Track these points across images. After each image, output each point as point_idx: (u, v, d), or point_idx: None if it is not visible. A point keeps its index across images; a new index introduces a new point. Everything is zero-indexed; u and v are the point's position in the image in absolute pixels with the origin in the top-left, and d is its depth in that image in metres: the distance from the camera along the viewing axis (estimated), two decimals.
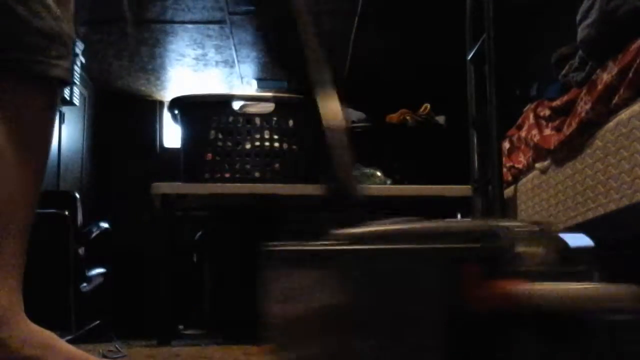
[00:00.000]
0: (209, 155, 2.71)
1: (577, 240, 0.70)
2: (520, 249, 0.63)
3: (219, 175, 2.68)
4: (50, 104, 1.11)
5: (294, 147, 2.70)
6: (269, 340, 0.67)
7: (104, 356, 2.13)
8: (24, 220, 1.05)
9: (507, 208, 2.31)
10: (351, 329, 0.63)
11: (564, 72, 2.15)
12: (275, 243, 0.69)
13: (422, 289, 0.62)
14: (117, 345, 2.36)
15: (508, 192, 2.35)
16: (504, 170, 2.34)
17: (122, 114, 5.01)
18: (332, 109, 0.86)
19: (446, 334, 0.61)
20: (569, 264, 0.65)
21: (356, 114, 3.33)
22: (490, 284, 0.60)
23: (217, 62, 4.51)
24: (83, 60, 3.95)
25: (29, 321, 1.03)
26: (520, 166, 2.28)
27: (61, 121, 4.21)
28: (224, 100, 2.76)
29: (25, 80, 1.04)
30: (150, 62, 4.51)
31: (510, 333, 0.60)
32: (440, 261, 0.62)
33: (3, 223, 1.02)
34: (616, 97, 1.63)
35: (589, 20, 1.81)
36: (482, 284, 0.60)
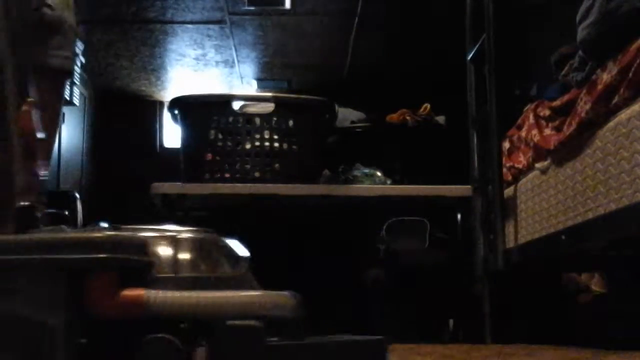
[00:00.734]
0: (209, 155, 2.70)
1: (236, 246, 0.70)
2: (165, 255, 0.63)
3: (219, 175, 2.68)
4: (54, 93, 1.10)
5: (294, 147, 2.69)
6: None
7: None
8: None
9: (507, 208, 2.31)
10: None
11: (564, 72, 2.15)
12: None
13: (46, 301, 0.59)
14: None
15: (508, 192, 2.35)
16: (504, 170, 2.34)
17: (122, 114, 5.00)
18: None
19: (72, 344, 0.60)
20: (226, 269, 0.66)
21: (356, 114, 3.33)
22: (119, 292, 0.60)
23: (217, 62, 4.51)
24: (83, 60, 3.95)
25: None
26: (520, 166, 2.28)
27: (61, 121, 4.22)
28: (224, 100, 2.76)
29: (29, 72, 1.03)
30: (150, 62, 4.51)
31: (139, 339, 0.60)
32: (65, 272, 0.60)
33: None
34: (616, 97, 1.62)
35: (589, 20, 1.80)
36: (111, 293, 0.59)
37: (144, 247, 0.62)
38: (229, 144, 2.69)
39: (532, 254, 2.18)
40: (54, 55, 1.04)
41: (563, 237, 1.91)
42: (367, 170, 2.92)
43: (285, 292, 0.65)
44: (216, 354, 0.61)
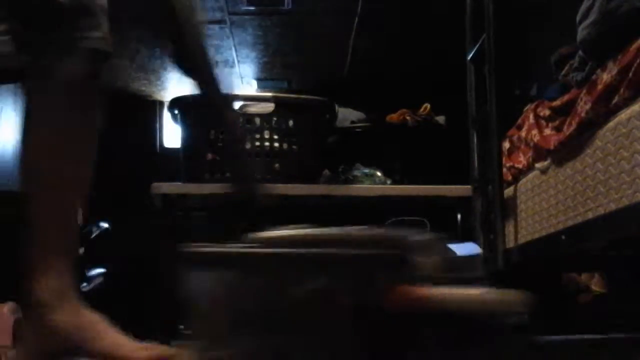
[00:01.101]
0: (209, 155, 2.71)
1: (466, 249, 0.74)
2: (418, 256, 0.67)
3: (219, 175, 2.68)
4: (91, 77, 1.08)
5: (294, 147, 2.69)
6: (193, 338, 0.68)
7: None
8: (73, 203, 1.05)
9: (507, 208, 2.31)
10: (272, 329, 0.65)
11: (564, 72, 2.15)
12: (194, 245, 0.70)
13: (341, 291, 0.65)
14: None
15: (508, 192, 2.35)
16: (504, 170, 2.33)
17: (122, 114, 5.00)
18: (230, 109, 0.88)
19: (362, 334, 0.64)
20: (459, 270, 0.69)
21: (356, 114, 3.33)
22: (402, 287, 0.64)
23: (217, 62, 4.51)
24: None
25: (79, 304, 1.03)
26: (520, 166, 2.28)
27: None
28: None
29: (61, 57, 1.01)
30: (150, 62, 4.51)
31: (421, 332, 0.65)
32: (357, 266, 0.65)
33: (51, 207, 1.02)
34: (616, 97, 1.63)
35: (589, 20, 1.80)
36: (395, 288, 0.64)
37: (414, 246, 0.67)
38: None
39: (532, 254, 2.18)
40: (86, 37, 1.02)
41: (563, 237, 1.91)
42: (367, 170, 2.92)
43: (518, 291, 0.68)
44: (491, 351, 0.65)
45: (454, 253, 0.71)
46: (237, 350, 0.66)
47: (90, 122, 1.09)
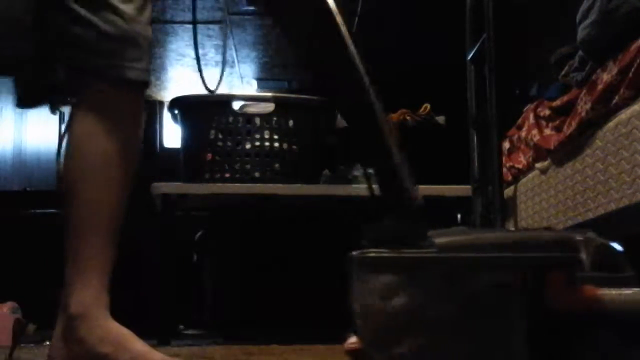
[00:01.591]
0: (209, 155, 2.70)
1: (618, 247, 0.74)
2: (582, 256, 0.68)
3: (219, 175, 2.68)
4: (133, 105, 1.12)
5: (294, 147, 2.69)
6: (362, 340, 0.70)
7: None
8: (111, 220, 1.07)
9: (507, 208, 2.31)
10: (443, 330, 0.68)
11: (564, 72, 2.16)
12: (366, 250, 0.73)
13: (513, 293, 0.67)
14: None
15: (508, 192, 2.35)
16: (504, 170, 2.34)
17: None
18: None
19: (534, 335, 0.67)
20: (617, 269, 0.70)
21: None
22: (574, 289, 0.66)
23: (217, 62, 4.51)
24: None
25: (109, 319, 1.06)
26: (520, 166, 2.28)
27: (61, 121, 4.22)
28: (224, 100, 2.76)
29: (104, 85, 1.06)
30: (150, 62, 4.50)
31: (596, 333, 0.66)
32: (529, 268, 0.68)
33: (90, 223, 1.05)
34: (616, 97, 1.63)
35: (589, 20, 1.81)
36: (567, 289, 0.66)
37: (581, 246, 0.70)
38: (229, 144, 2.69)
39: None
40: (131, 67, 1.07)
41: None
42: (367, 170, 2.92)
43: None
44: None
45: (616, 251, 0.73)
46: (410, 353, 0.67)
47: (132, 145, 1.14)
